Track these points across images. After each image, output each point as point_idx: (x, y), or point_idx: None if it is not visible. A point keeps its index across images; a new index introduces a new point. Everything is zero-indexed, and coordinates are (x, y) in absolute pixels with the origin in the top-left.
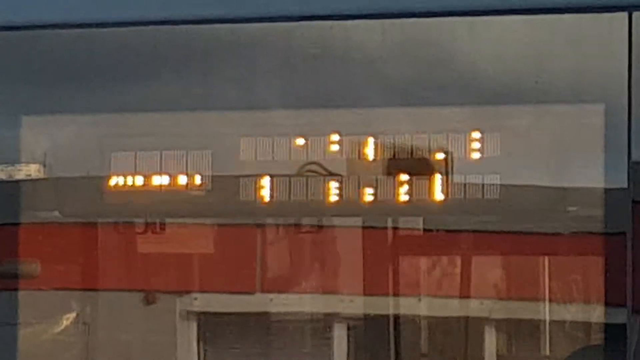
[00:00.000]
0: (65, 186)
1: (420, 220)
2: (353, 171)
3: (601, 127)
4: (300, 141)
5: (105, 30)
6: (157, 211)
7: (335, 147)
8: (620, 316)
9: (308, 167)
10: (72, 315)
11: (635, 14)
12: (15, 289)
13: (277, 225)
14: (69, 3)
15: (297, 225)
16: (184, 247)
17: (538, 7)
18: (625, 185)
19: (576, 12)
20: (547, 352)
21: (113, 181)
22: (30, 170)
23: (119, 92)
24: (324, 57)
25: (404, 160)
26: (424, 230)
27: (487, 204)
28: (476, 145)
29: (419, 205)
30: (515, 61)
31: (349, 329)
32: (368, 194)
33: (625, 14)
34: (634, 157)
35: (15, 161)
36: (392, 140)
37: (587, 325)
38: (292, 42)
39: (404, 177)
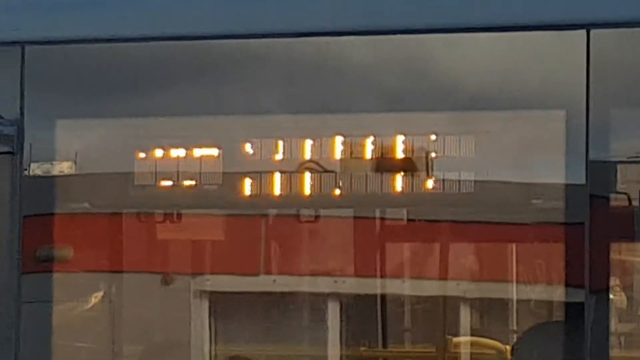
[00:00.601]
0: (94, 181)
1: (404, 211)
2: (346, 168)
3: (562, 130)
4: (300, 142)
5: (123, 45)
6: (173, 203)
7: (330, 148)
8: (579, 295)
9: (306, 164)
10: (100, 293)
11: (592, 32)
12: (51, 271)
13: (279, 216)
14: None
15: (297, 217)
16: (197, 234)
17: (508, 25)
18: (583, 181)
19: (541, 30)
20: (515, 327)
21: (135, 177)
22: (63, 167)
23: (139, 99)
24: (321, 69)
25: (387, 159)
26: (408, 220)
27: (462, 198)
28: (451, 147)
29: (402, 198)
30: (488, 73)
31: (341, 306)
32: (358, 188)
33: (584, 31)
34: (591, 156)
35: (50, 159)
36: (379, 142)
37: (549, 304)
38: (294, 56)
39: (390, 173)
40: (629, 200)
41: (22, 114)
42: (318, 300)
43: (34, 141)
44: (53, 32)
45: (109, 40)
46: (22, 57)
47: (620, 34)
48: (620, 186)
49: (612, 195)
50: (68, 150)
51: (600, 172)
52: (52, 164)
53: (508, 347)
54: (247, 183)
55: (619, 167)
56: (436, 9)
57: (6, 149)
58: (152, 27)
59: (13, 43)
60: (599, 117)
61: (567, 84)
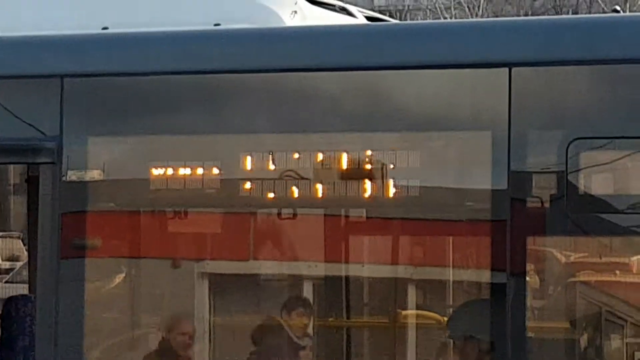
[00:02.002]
0: (117, 185)
1: (364, 210)
2: (317, 176)
3: (489, 147)
4: (282, 155)
5: (141, 78)
6: (181, 203)
7: (306, 160)
8: (501, 277)
9: (287, 172)
10: (122, 275)
11: (513, 69)
12: (84, 257)
13: (264, 214)
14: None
15: (279, 214)
16: (199, 228)
17: (445, 64)
18: (505, 187)
19: (472, 68)
20: (451, 302)
21: (150, 182)
22: (93, 174)
23: (153, 121)
24: (299, 98)
25: (352, 169)
26: (367, 217)
27: (410, 200)
28: (403, 159)
29: (363, 200)
30: (431, 101)
31: (313, 285)
32: (328, 192)
33: (506, 69)
34: (512, 168)
35: (84, 167)
36: (346, 156)
37: (479, 284)
38: (279, 89)
39: (353, 180)
40: (541, 202)
41: (61, 132)
42: (295, 281)
43: (70, 154)
44: (85, 67)
45: (129, 74)
46: (62, 87)
47: (535, 70)
48: (534, 191)
49: (528, 199)
50: (97, 161)
51: (519, 180)
52: (84, 172)
53: (445, 318)
54: (239, 187)
55: (533, 176)
56: (393, 51)
57: (49, 160)
58: (161, 65)
59: (54, 76)
60: (518, 136)
61: (492, 110)
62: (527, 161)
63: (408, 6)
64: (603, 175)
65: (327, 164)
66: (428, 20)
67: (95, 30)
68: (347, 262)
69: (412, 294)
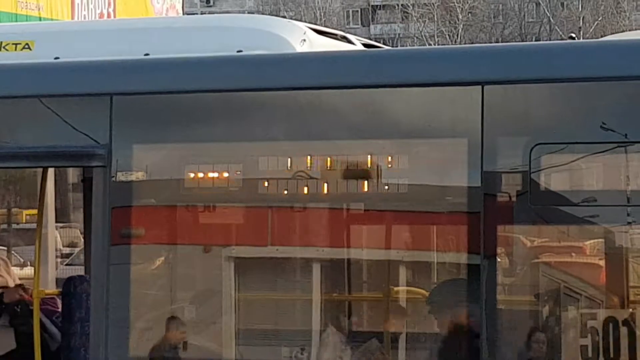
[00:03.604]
0: (157, 184)
1: (362, 204)
2: (324, 176)
3: (465, 151)
4: (294, 159)
5: (176, 95)
6: (210, 199)
7: (314, 163)
8: (477, 259)
9: (298, 173)
10: (162, 258)
11: (485, 87)
12: (130, 244)
13: (280, 207)
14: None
15: (292, 207)
16: (226, 219)
17: (429, 82)
18: (479, 184)
19: (451, 86)
20: (435, 281)
21: (184, 181)
22: (138, 175)
23: (188, 131)
24: (307, 112)
25: (352, 170)
26: (364, 210)
27: (401, 195)
28: (394, 162)
29: (361, 196)
30: (417, 113)
31: (321, 267)
32: (332, 189)
33: (480, 86)
34: (485, 168)
35: (130, 170)
36: (346, 159)
37: (457, 265)
38: (292, 104)
39: (353, 179)
40: (509, 197)
41: (110, 140)
42: (306, 263)
43: (118, 158)
44: (130, 86)
45: (166, 92)
46: (111, 103)
47: (503, 88)
48: (503, 188)
49: (498, 194)
50: (141, 164)
51: (490, 178)
52: (130, 173)
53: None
54: (258, 185)
55: (502, 175)
56: (387, 72)
57: (101, 163)
58: (193, 84)
59: (105, 94)
60: (489, 142)
61: (468, 121)
62: (497, 163)
63: (399, 34)
64: (560, 174)
65: (332, 166)
66: (415, 47)
67: (139, 56)
68: (349, 247)
69: (402, 273)
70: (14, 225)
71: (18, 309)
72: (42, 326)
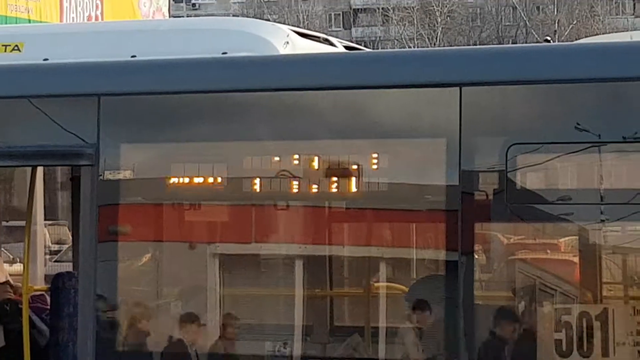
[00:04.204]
0: (144, 183)
1: (343, 202)
2: (306, 175)
3: (444, 150)
4: (277, 158)
5: (160, 96)
6: (195, 197)
7: (296, 162)
8: (455, 255)
9: (281, 172)
10: (149, 255)
11: (463, 88)
12: (117, 241)
13: (264, 205)
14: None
15: (275, 205)
16: (210, 217)
17: (409, 84)
18: (457, 183)
19: (430, 87)
20: (414, 276)
21: (170, 180)
22: (125, 174)
23: (174, 131)
24: (294, 113)
25: (334, 169)
26: (346, 208)
27: (382, 193)
28: (375, 161)
29: (343, 194)
30: (398, 114)
31: (303, 263)
32: (314, 188)
33: (457, 88)
34: (462, 167)
35: (117, 168)
36: (329, 158)
37: (436, 261)
38: (275, 104)
39: (335, 178)
40: (486, 195)
41: (98, 139)
42: (289, 259)
43: (105, 158)
44: (118, 87)
45: (153, 93)
46: (99, 103)
47: (481, 89)
48: (480, 186)
49: (476, 192)
50: (127, 163)
51: (468, 177)
52: (117, 172)
53: (409, 289)
54: (242, 184)
55: (479, 174)
56: (368, 74)
57: (88, 162)
58: (179, 85)
59: (92, 95)
60: (467, 142)
61: (446, 121)
62: (475, 162)
63: (379, 37)
64: (536, 173)
65: (314, 165)
66: (396, 49)
67: (126, 57)
68: (330, 244)
69: (383, 269)
70: (4, 223)
71: (7, 307)
72: (32, 323)
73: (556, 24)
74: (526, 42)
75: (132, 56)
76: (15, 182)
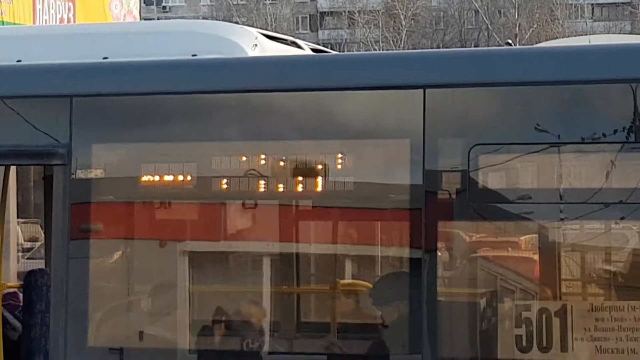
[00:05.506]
0: (115, 182)
1: (310, 201)
2: (274, 174)
3: (408, 151)
4: (245, 158)
5: (133, 97)
6: (166, 196)
7: (264, 161)
8: (419, 253)
9: (249, 171)
10: (119, 252)
11: (427, 90)
12: (88, 238)
13: (232, 204)
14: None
15: (244, 204)
16: (181, 215)
17: (373, 86)
18: (421, 182)
19: (394, 89)
20: (379, 273)
21: (141, 179)
22: (96, 173)
23: (144, 131)
24: (263, 114)
25: (301, 168)
26: (312, 206)
27: (347, 192)
28: (340, 161)
29: (309, 193)
30: (363, 115)
31: (271, 260)
32: (281, 187)
33: (421, 90)
34: (426, 167)
35: (89, 168)
36: (296, 158)
37: (400, 259)
38: (244, 106)
39: (301, 177)
40: (449, 194)
41: (70, 140)
42: (257, 257)
43: (78, 157)
44: (90, 88)
45: (125, 94)
46: (71, 104)
47: (444, 91)
48: (444, 186)
49: (439, 191)
50: (99, 162)
51: (431, 177)
52: (89, 171)
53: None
54: (212, 183)
55: (443, 174)
56: (334, 76)
57: (61, 162)
58: (150, 86)
59: (65, 96)
60: (431, 143)
61: (411, 122)
62: (438, 162)
63: (345, 40)
64: (497, 173)
65: (282, 164)
66: (361, 52)
67: (98, 59)
68: (297, 242)
69: (348, 266)
70: None
71: None
72: (4, 320)
73: (517, 28)
74: (488, 45)
75: (104, 58)
76: None
